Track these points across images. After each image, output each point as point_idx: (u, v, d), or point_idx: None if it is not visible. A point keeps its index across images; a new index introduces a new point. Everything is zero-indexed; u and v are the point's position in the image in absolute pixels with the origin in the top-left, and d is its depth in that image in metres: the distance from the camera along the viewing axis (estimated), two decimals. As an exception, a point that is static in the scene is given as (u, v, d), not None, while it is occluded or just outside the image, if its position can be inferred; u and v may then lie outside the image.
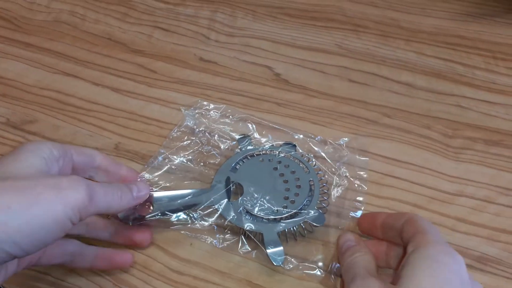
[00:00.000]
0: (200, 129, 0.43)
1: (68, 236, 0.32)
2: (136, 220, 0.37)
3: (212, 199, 0.37)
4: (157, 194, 0.37)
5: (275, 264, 0.34)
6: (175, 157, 0.42)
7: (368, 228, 0.35)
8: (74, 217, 0.28)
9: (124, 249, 0.37)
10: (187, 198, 0.37)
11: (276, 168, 0.40)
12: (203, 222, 0.38)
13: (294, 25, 0.55)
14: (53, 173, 0.31)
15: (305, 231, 0.37)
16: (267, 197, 0.38)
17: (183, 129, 0.44)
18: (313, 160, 0.41)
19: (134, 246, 0.37)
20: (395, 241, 0.32)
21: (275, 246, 0.35)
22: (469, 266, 0.36)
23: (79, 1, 0.58)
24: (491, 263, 0.36)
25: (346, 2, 0.57)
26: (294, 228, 0.37)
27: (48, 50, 0.53)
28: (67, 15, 0.57)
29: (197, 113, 0.44)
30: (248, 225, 0.36)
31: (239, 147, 0.42)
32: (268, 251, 0.35)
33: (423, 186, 0.41)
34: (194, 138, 0.43)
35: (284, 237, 0.37)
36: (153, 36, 0.54)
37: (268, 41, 0.53)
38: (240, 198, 0.38)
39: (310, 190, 0.38)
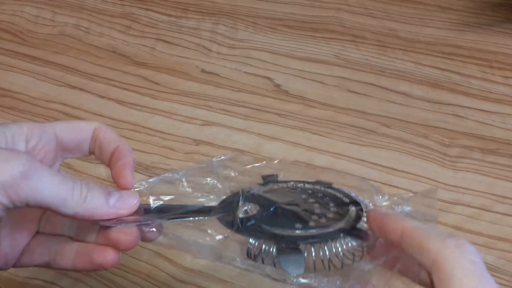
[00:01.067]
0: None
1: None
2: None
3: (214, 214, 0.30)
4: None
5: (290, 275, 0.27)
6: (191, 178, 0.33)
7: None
8: None
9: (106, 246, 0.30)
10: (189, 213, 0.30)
11: (306, 196, 0.31)
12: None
13: (294, 37, 0.56)
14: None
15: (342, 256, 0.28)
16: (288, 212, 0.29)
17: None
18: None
19: (119, 249, 0.30)
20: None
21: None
22: (466, 273, 0.37)
23: (84, 15, 0.60)
24: (488, 271, 0.37)
25: (345, 13, 0.58)
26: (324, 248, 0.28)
27: (54, 63, 0.55)
28: (72, 28, 0.58)
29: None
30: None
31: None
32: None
33: (420, 195, 0.42)
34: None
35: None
36: (156, 49, 0.56)
37: (268, 52, 0.54)
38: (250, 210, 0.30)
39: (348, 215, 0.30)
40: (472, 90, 0.50)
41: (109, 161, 0.31)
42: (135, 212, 0.29)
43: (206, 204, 0.31)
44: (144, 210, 0.29)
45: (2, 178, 0.23)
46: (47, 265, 0.31)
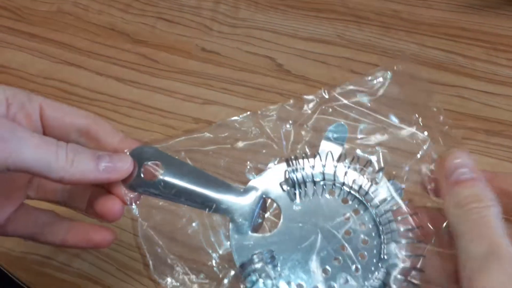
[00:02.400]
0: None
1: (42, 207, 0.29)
2: (142, 189, 0.28)
3: (230, 212, 0.28)
4: (170, 167, 0.28)
5: None
6: (226, 135, 0.32)
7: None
8: None
9: (103, 225, 0.30)
10: (206, 193, 0.28)
11: (344, 219, 0.28)
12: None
13: (296, 16, 0.55)
14: None
15: None
16: (297, 266, 0.26)
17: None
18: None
19: (106, 220, 0.29)
20: None
21: None
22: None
23: (82, -8, 0.59)
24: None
25: (348, -6, 0.57)
26: None
27: (52, 41, 0.54)
28: (70, 5, 0.57)
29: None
30: None
31: (325, 135, 0.30)
32: None
33: (423, 175, 0.41)
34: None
35: None
36: (156, 27, 0.55)
37: (270, 32, 0.53)
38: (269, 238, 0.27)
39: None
40: (476, 72, 0.49)
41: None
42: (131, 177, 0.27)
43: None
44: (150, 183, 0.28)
45: None
46: (31, 237, 0.30)
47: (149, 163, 0.28)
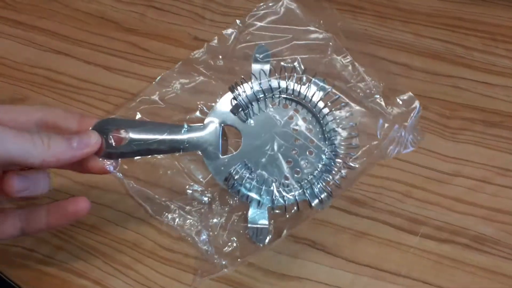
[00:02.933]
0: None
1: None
2: (115, 156, 0.32)
3: (200, 146, 0.33)
4: (131, 129, 0.32)
5: (256, 243, 0.33)
6: (169, 89, 0.37)
7: None
8: None
9: (75, 196, 0.32)
10: (170, 136, 0.32)
11: (289, 119, 0.34)
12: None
13: (291, 5, 0.54)
14: None
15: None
16: (267, 165, 0.33)
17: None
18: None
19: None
20: None
21: (260, 222, 0.32)
22: (466, 245, 0.36)
23: (71, -21, 0.57)
24: (488, 243, 0.36)
25: (344, -17, 0.56)
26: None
27: (39, 28, 0.52)
28: (59, -7, 0.56)
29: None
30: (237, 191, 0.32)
31: (253, 58, 0.35)
32: (250, 225, 0.32)
33: (419, 166, 0.40)
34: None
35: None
36: (147, 15, 0.53)
37: (263, 21, 0.52)
38: (234, 155, 0.33)
39: (322, 161, 0.33)
40: (474, 62, 0.48)
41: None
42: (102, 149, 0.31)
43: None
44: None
45: None
46: (22, 233, 0.32)
47: (113, 130, 0.32)
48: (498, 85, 0.46)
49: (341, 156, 0.33)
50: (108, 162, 0.32)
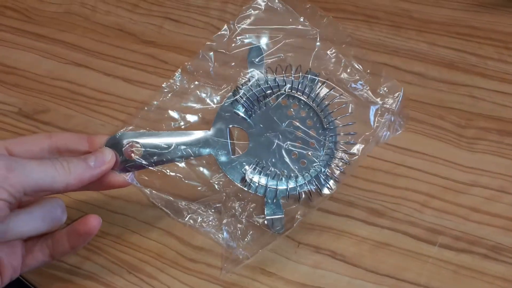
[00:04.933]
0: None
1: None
2: (131, 168, 0.34)
3: (210, 150, 0.35)
4: (143, 140, 0.34)
5: (274, 232, 0.35)
6: (170, 96, 0.39)
7: None
8: None
9: (86, 215, 0.33)
10: (180, 142, 0.34)
11: (289, 114, 0.36)
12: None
13: (305, 16, 0.55)
14: None
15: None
16: (275, 160, 0.35)
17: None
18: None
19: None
20: None
21: (276, 213, 0.35)
22: (484, 255, 0.36)
23: (90, -7, 0.58)
24: (506, 253, 0.36)
25: (357, -7, 0.57)
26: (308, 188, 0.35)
27: (60, 41, 0.53)
28: (78, 6, 0.57)
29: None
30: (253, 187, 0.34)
31: (248, 61, 0.37)
32: (267, 217, 0.35)
33: (436, 176, 0.41)
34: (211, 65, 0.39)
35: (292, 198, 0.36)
36: (164, 27, 0.54)
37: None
38: (242, 156, 0.35)
39: (325, 147, 0.36)
40: (488, 71, 0.48)
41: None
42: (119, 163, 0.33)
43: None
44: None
45: None
46: (51, 259, 0.33)
47: (126, 144, 0.34)
48: (513, 94, 0.46)
49: (341, 144, 0.36)
50: (127, 175, 0.33)
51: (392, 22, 0.53)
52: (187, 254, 0.37)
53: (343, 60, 0.38)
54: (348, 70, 0.38)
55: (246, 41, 0.39)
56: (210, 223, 0.36)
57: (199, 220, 0.36)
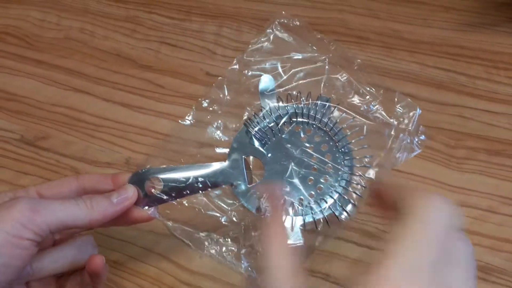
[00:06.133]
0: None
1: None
2: (153, 203, 0.35)
3: (227, 181, 0.35)
4: (163, 176, 0.35)
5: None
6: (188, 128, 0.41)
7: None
8: (21, 233, 0.28)
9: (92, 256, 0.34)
10: (198, 174, 0.35)
11: (303, 141, 0.37)
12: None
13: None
14: None
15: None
16: (291, 187, 0.35)
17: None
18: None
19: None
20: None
21: (295, 241, 0.34)
22: (473, 275, 0.37)
23: (88, 18, 0.60)
24: (495, 273, 0.37)
25: (348, 15, 0.58)
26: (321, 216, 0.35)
27: (59, 67, 0.55)
28: (77, 32, 0.59)
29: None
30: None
31: (260, 92, 0.38)
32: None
33: (426, 196, 0.42)
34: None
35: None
36: (161, 52, 0.56)
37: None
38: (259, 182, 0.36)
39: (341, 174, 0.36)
40: (477, 91, 0.50)
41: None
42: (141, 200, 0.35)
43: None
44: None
45: (21, 220, 0.28)
46: None
47: (148, 180, 0.35)
48: (501, 113, 0.47)
49: (357, 168, 0.36)
50: (149, 210, 0.35)
51: (383, 43, 0.55)
52: (185, 279, 0.38)
53: (354, 84, 0.40)
54: (360, 92, 0.40)
55: (256, 72, 0.41)
56: (229, 253, 0.38)
57: (218, 250, 0.38)
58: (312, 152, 0.36)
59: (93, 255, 0.33)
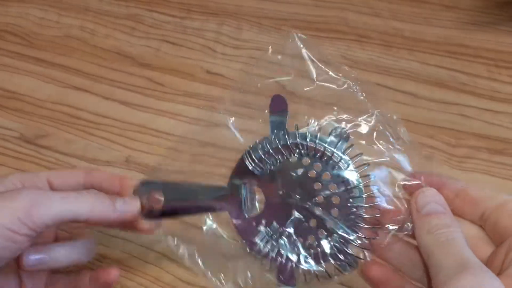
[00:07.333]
0: None
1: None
2: (154, 217, 0.33)
3: (226, 206, 0.33)
4: (166, 191, 0.33)
5: None
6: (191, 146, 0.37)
7: None
8: (17, 228, 0.28)
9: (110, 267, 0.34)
10: (199, 195, 0.33)
11: (312, 175, 0.31)
12: None
13: (299, 37, 0.56)
14: None
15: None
16: (288, 230, 0.31)
17: None
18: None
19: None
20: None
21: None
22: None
23: (89, 16, 0.60)
24: (496, 272, 0.37)
25: (349, 13, 0.58)
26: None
27: (59, 65, 0.55)
28: (77, 30, 0.58)
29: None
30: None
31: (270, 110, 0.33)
32: None
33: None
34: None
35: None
36: (161, 50, 0.56)
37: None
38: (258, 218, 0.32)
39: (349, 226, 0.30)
40: (478, 89, 0.49)
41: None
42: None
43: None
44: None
45: (19, 214, 0.28)
46: None
47: (150, 193, 0.33)
48: (503, 112, 0.47)
49: (363, 238, 0.30)
50: (151, 223, 0.34)
51: (384, 42, 0.55)
52: (185, 277, 0.38)
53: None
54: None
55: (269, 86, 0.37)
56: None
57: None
58: (320, 189, 0.31)
59: (113, 267, 0.33)
